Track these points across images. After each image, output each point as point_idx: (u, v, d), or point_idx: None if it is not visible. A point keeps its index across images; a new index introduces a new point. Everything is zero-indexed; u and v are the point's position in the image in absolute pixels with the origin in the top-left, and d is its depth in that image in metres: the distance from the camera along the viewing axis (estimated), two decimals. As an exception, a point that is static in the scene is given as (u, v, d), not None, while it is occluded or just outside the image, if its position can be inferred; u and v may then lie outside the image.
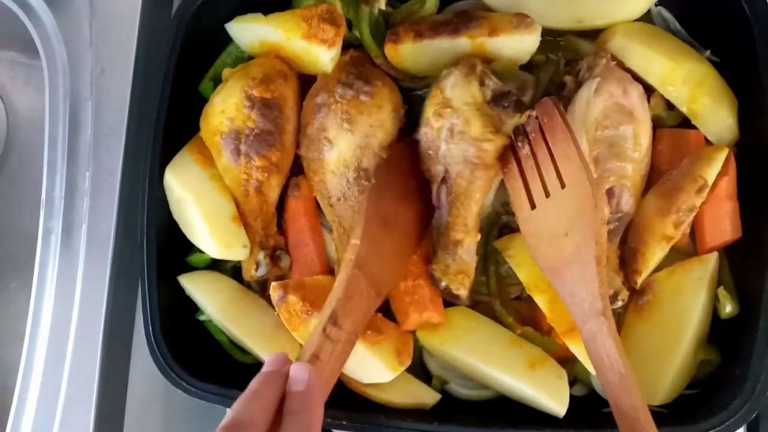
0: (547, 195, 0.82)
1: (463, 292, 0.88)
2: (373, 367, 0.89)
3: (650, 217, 0.88)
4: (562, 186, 0.80)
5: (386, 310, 0.94)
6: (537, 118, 0.85)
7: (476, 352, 0.90)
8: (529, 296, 0.92)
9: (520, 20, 0.90)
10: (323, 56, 0.93)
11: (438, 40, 0.92)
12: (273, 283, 0.91)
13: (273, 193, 0.96)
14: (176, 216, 0.97)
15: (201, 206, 0.93)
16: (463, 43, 0.92)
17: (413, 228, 0.90)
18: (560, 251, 0.77)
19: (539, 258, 0.83)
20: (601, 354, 0.72)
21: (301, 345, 0.94)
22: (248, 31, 0.98)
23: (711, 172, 0.87)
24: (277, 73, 0.95)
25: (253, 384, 0.70)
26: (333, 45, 0.92)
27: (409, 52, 0.93)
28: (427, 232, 0.92)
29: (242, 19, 0.98)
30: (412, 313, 0.90)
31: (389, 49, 0.94)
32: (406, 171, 0.91)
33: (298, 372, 0.70)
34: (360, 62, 0.97)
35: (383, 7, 0.97)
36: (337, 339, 0.76)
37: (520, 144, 0.86)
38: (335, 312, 0.77)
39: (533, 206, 0.84)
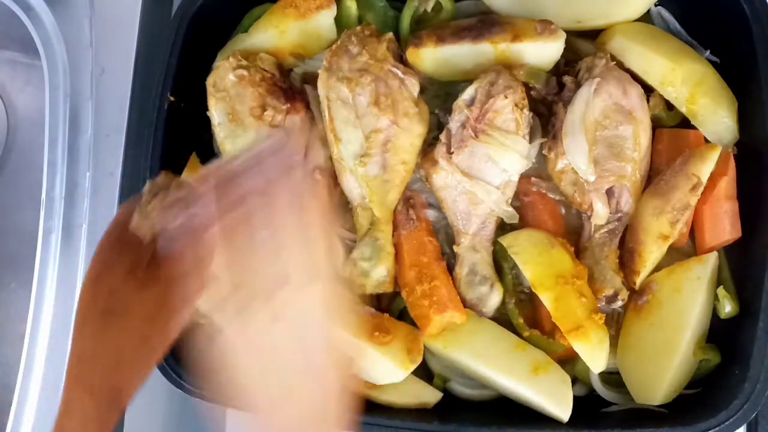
0: None
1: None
2: (385, 368, 0.88)
3: (646, 217, 0.88)
4: None
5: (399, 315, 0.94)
6: None
7: (480, 355, 0.89)
8: (529, 298, 0.92)
9: (545, 27, 0.89)
10: (324, 22, 0.93)
11: (460, 45, 0.90)
12: None
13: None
14: (177, 216, 0.97)
15: (202, 206, 0.93)
16: (485, 48, 0.90)
17: (160, 308, 0.66)
18: None
19: None
20: None
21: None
22: None
23: (704, 170, 0.87)
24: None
25: None
26: (330, 4, 0.92)
27: (430, 57, 0.92)
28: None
29: (225, 49, 0.98)
30: (433, 316, 0.88)
31: (411, 53, 0.92)
32: (134, 241, 0.66)
33: None
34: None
35: (429, 9, 0.97)
36: None
37: None
38: None
39: None
